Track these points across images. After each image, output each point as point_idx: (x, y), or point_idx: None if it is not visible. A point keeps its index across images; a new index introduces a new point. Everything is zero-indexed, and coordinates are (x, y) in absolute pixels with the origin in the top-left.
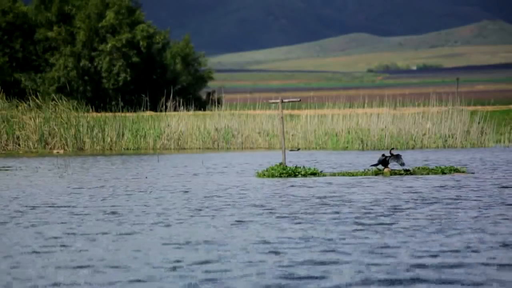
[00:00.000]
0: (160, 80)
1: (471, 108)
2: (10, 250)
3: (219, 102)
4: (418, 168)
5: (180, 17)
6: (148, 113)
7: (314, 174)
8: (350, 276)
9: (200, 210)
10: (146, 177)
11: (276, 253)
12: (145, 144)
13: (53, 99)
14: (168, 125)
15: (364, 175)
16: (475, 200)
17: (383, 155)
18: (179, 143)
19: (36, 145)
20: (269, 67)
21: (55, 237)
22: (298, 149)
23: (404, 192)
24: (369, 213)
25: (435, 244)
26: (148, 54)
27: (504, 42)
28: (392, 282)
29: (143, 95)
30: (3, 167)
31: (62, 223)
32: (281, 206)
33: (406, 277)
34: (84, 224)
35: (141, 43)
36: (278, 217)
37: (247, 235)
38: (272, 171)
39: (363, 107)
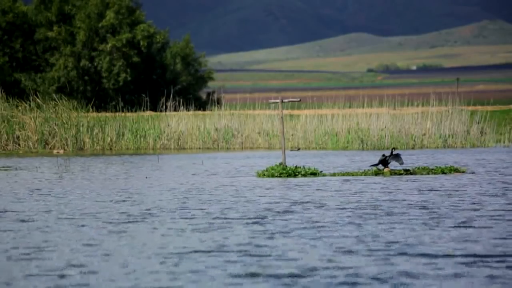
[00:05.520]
0: (160, 80)
1: (471, 108)
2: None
3: (218, 102)
4: (418, 168)
5: (180, 17)
6: (148, 113)
7: (314, 174)
8: (342, 278)
9: (200, 210)
10: (146, 177)
11: (274, 253)
12: (145, 144)
13: (53, 99)
14: (168, 125)
15: (364, 175)
16: (474, 199)
17: (383, 155)
18: (179, 143)
19: (36, 145)
20: (269, 67)
21: (56, 239)
22: (298, 149)
23: (403, 192)
24: (369, 213)
25: (431, 244)
26: (148, 54)
27: (504, 42)
28: (388, 283)
29: (143, 95)
30: (3, 167)
31: (63, 224)
32: (280, 206)
33: (400, 276)
34: (82, 224)
35: (141, 43)
36: (277, 217)
37: (246, 235)
38: (272, 171)
39: (363, 107)
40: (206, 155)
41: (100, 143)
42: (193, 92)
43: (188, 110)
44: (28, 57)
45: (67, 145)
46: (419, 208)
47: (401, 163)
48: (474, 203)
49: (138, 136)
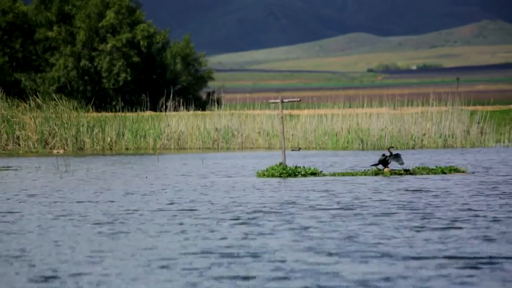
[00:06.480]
0: (160, 80)
1: (471, 108)
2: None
3: (218, 102)
4: (418, 168)
5: (180, 17)
6: (148, 113)
7: (314, 174)
8: (343, 278)
9: (198, 210)
10: (146, 177)
11: (271, 254)
12: (145, 144)
13: (53, 99)
14: (168, 125)
15: (364, 175)
16: (474, 200)
17: (383, 155)
18: (179, 143)
19: (36, 145)
20: (269, 67)
21: (57, 240)
22: (299, 148)
23: (403, 192)
24: (369, 213)
25: (431, 244)
26: (148, 54)
27: (504, 42)
28: (393, 282)
29: (143, 95)
30: (3, 167)
31: (61, 225)
32: (280, 206)
33: (405, 278)
34: (80, 224)
35: (141, 43)
36: (277, 217)
37: (243, 236)
38: (272, 171)
39: (363, 107)
40: (206, 155)
41: (100, 143)
42: (193, 92)
43: (188, 110)
44: (28, 57)
45: (67, 145)
46: (419, 209)
47: (401, 163)
48: (474, 204)
49: (138, 136)
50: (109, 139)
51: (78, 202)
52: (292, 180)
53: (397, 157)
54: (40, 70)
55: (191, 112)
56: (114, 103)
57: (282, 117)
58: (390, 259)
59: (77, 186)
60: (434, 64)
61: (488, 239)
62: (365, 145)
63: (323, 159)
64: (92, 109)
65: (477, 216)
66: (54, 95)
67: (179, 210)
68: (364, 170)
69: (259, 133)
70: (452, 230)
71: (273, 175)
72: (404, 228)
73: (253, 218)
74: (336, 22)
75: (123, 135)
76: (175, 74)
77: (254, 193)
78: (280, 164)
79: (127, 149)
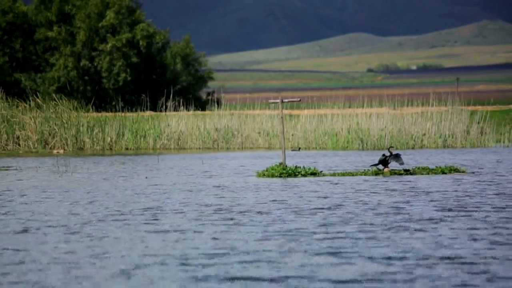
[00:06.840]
0: (160, 80)
1: (471, 108)
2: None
3: (218, 102)
4: (418, 168)
5: (180, 17)
6: (148, 113)
7: (314, 174)
8: (341, 278)
9: (196, 211)
10: (146, 177)
11: (267, 255)
12: (145, 144)
13: (53, 99)
14: (168, 125)
15: (364, 175)
16: (474, 199)
17: (383, 155)
18: (179, 143)
19: (36, 145)
20: (269, 67)
21: (57, 241)
22: (299, 148)
23: (403, 192)
24: (369, 213)
25: (429, 244)
26: (148, 54)
27: (504, 42)
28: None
29: (143, 95)
30: (3, 167)
31: (61, 224)
32: (279, 207)
33: (400, 279)
34: (80, 224)
35: (141, 42)
36: (275, 217)
37: (243, 236)
38: (272, 171)
39: (363, 107)
40: (206, 155)
41: (100, 143)
42: (193, 92)
43: (188, 110)
44: (28, 57)
45: (67, 145)
46: (418, 209)
47: (401, 163)
48: (473, 204)
49: (138, 136)
50: (109, 139)
51: (75, 202)
52: (292, 180)
53: (397, 157)
54: (40, 70)
55: (191, 112)
56: (114, 103)
57: (282, 117)
58: (387, 259)
59: (76, 186)
60: (434, 64)
61: (487, 239)
62: (365, 145)
63: (323, 159)
64: (92, 109)
65: (476, 216)
66: (54, 95)
67: (176, 210)
68: (364, 170)
69: (259, 133)
70: (451, 230)
71: (273, 175)
72: (404, 228)
73: (251, 218)
74: (336, 22)
75: (123, 135)
76: (175, 74)
77: (253, 193)
78: (280, 164)
79: (127, 149)
